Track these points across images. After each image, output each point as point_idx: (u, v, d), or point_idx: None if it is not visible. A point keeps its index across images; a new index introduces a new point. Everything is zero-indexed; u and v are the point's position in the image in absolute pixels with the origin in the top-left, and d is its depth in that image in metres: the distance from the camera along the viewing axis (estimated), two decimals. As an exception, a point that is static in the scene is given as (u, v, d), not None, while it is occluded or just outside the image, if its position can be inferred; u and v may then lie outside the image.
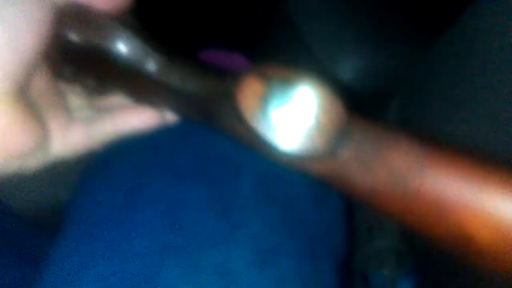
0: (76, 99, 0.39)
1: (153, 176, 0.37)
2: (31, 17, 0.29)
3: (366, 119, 0.26)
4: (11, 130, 0.30)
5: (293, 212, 0.38)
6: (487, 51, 0.35)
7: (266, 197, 0.37)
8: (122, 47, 0.33)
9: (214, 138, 0.39)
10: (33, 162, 0.33)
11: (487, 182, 0.21)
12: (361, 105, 0.27)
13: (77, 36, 0.35)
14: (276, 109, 0.24)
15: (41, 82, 0.32)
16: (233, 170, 0.38)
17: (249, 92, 0.24)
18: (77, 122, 0.36)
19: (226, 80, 0.28)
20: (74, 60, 0.36)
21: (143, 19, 0.36)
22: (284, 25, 0.68)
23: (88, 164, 0.39)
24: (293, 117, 0.23)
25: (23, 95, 0.30)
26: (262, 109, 0.24)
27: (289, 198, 0.38)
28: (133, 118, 0.37)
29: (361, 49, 0.62)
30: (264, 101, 0.24)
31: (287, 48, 0.65)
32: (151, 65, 0.33)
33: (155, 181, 0.37)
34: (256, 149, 0.28)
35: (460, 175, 0.22)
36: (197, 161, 0.38)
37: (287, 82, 0.24)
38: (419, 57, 0.47)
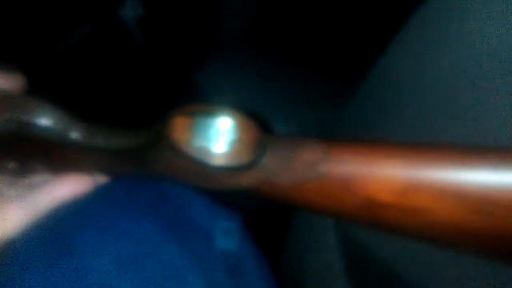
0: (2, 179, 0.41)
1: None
2: None
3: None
4: None
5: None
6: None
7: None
8: (45, 121, 0.36)
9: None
10: None
11: (381, 156, 0.27)
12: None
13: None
14: (205, 137, 0.28)
15: None
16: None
17: (179, 126, 0.29)
18: (10, 200, 0.37)
19: (155, 126, 0.32)
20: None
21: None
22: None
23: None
24: (220, 139, 0.28)
25: None
26: (193, 138, 0.28)
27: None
28: (64, 186, 0.39)
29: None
30: (194, 131, 0.29)
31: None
32: (75, 133, 0.36)
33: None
34: (192, 177, 0.32)
35: (358, 156, 0.28)
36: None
37: (209, 114, 0.29)
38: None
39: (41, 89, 0.39)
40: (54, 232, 0.37)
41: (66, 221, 0.37)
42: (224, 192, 0.35)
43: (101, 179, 0.41)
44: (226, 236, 0.41)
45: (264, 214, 0.46)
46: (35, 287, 0.33)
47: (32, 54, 0.89)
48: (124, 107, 0.90)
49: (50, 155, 0.39)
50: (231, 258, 0.40)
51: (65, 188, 0.38)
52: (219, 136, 0.28)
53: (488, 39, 0.32)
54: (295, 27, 0.78)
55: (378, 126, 0.42)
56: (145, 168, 0.34)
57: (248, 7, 0.83)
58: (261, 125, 0.30)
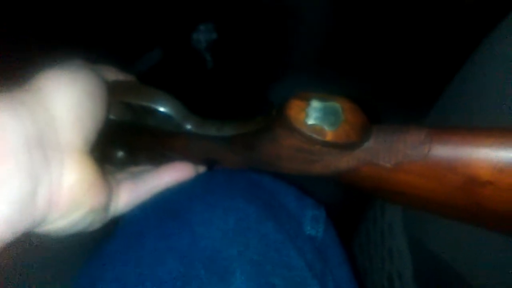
0: (109, 166, 0.45)
1: None
2: (94, 99, 0.34)
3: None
4: (96, 186, 0.34)
5: None
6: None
7: None
8: (166, 109, 0.40)
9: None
10: (99, 219, 0.37)
11: (482, 137, 0.30)
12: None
13: (117, 113, 0.42)
14: (317, 117, 0.32)
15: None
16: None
17: (295, 107, 0.32)
18: (123, 182, 0.41)
19: (270, 110, 0.36)
20: (114, 138, 0.43)
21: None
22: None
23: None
24: (330, 119, 0.32)
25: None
26: (307, 118, 0.32)
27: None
28: (171, 172, 0.43)
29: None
30: (308, 112, 0.32)
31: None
32: (189, 123, 0.40)
33: None
34: (298, 158, 0.35)
35: (460, 137, 0.30)
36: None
37: (321, 98, 0.32)
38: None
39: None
40: (166, 206, 0.40)
41: (175, 198, 0.41)
42: (316, 183, 0.38)
43: (201, 168, 0.44)
44: (314, 223, 0.44)
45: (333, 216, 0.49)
46: (153, 249, 0.36)
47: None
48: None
49: (159, 144, 0.42)
50: (317, 243, 0.43)
51: (171, 174, 0.42)
52: (330, 117, 0.32)
53: None
54: (365, 52, 0.81)
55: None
56: (253, 152, 0.38)
57: (322, 31, 0.86)
58: (367, 113, 0.33)
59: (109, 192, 0.37)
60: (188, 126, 0.40)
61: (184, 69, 1.09)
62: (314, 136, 0.32)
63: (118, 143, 0.44)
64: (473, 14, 0.86)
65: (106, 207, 0.36)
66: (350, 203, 0.72)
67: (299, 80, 0.74)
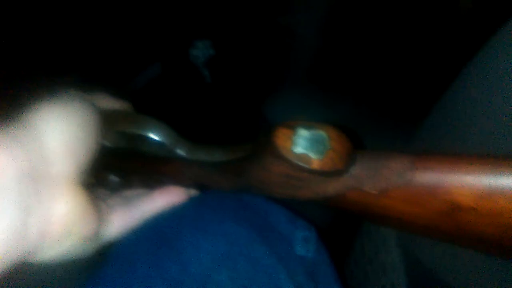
0: (103, 191, 0.45)
1: None
2: (87, 131, 0.35)
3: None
4: (87, 215, 0.34)
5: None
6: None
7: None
8: (157, 136, 0.41)
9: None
10: (91, 247, 0.37)
11: (463, 164, 0.31)
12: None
13: (111, 140, 0.42)
14: (304, 145, 0.33)
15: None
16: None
17: (281, 135, 0.33)
18: (114, 207, 0.41)
19: (256, 140, 0.36)
20: (108, 163, 0.43)
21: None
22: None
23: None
24: (316, 147, 0.32)
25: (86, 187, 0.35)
26: (293, 146, 0.32)
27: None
28: (163, 197, 0.43)
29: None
30: (294, 140, 0.33)
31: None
32: (180, 149, 0.41)
33: None
34: (287, 184, 0.36)
35: (443, 164, 0.31)
36: None
37: (307, 127, 0.33)
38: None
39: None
40: (156, 232, 0.41)
41: (166, 223, 0.42)
42: (307, 204, 0.39)
43: (193, 191, 0.45)
44: (304, 244, 0.45)
45: (327, 234, 0.49)
46: (144, 276, 0.37)
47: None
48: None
49: (152, 169, 0.43)
50: (308, 264, 0.44)
51: (163, 199, 0.43)
52: (316, 145, 0.32)
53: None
54: (357, 69, 0.82)
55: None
56: (243, 178, 0.38)
57: (314, 48, 0.87)
58: (352, 140, 0.34)
59: (101, 220, 0.37)
60: (179, 152, 0.41)
61: (183, 83, 1.11)
62: (301, 164, 0.32)
63: (112, 168, 0.45)
64: (467, 28, 0.87)
65: (98, 234, 0.37)
66: (344, 221, 0.72)
67: (294, 94, 0.75)
